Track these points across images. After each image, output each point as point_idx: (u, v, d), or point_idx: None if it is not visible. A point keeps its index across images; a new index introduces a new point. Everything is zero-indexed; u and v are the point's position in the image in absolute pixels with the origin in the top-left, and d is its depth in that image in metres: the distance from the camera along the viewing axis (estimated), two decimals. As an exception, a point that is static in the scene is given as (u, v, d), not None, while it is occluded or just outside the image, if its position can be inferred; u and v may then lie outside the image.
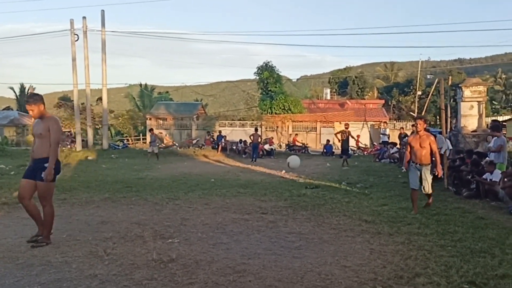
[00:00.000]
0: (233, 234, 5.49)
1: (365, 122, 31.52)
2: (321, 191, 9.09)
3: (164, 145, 27.79)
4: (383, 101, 44.10)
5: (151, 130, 21.67)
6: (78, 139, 24.81)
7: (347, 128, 17.23)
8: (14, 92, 54.75)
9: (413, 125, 7.18)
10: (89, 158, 19.28)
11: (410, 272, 4.04)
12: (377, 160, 18.81)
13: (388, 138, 27.30)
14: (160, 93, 52.46)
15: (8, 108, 55.27)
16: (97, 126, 33.35)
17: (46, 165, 4.79)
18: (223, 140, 24.24)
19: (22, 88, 54.42)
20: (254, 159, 18.89)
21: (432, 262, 4.33)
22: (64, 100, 51.19)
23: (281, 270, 4.09)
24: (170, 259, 4.35)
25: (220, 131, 27.37)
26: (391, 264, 4.31)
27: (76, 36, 23.89)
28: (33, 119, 5.12)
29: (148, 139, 26.37)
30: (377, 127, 32.14)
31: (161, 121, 35.64)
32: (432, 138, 7.03)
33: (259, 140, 20.40)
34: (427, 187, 6.93)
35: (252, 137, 19.82)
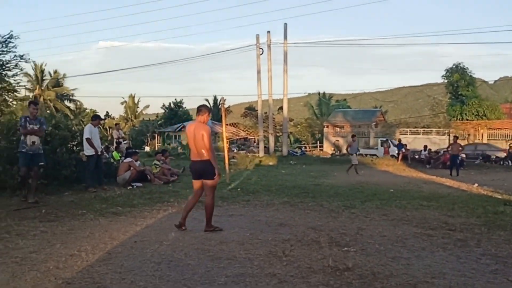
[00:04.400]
0: (414, 250, 5.04)
1: None
2: (525, 210, 7.67)
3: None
4: None
5: (353, 136, 18.38)
6: (261, 145, 26.80)
7: None
8: (209, 103, 62.53)
9: None
10: (270, 163, 20.57)
11: None
12: None
13: None
14: (338, 100, 52.87)
15: (204, 118, 63.40)
16: (278, 134, 35.48)
17: None
18: (403, 148, 22.91)
19: (215, 99, 61.87)
20: (453, 173, 16.23)
21: None
22: (250, 110, 56.13)
23: (473, 297, 3.55)
24: (346, 268, 4.24)
25: (400, 139, 25.96)
26: None
27: (261, 50, 25.94)
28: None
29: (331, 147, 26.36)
30: None
31: (338, 129, 35.82)
32: None
33: (460, 150, 17.36)
34: None
35: (451, 147, 17.30)
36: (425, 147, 22.54)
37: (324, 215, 7.09)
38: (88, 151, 9.41)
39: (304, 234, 5.65)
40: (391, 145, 25.97)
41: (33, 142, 7.73)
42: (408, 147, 23.88)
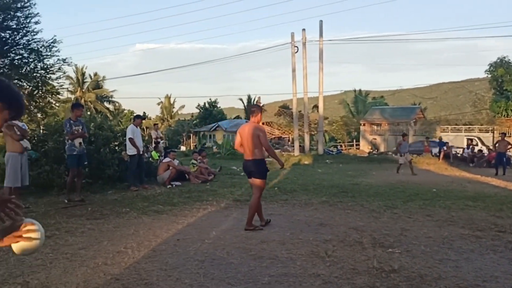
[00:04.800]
0: (462, 252, 4.87)
1: None
2: None
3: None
4: None
5: (404, 135, 16.53)
6: (296, 144, 26.64)
7: None
8: (243, 102, 62.82)
9: None
10: (306, 162, 20.42)
11: None
12: None
13: None
14: (375, 98, 51.88)
15: (237, 117, 63.86)
16: (312, 133, 35.19)
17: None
18: (445, 147, 22.21)
19: (249, 99, 62.00)
20: (500, 172, 15.17)
21: None
22: (284, 108, 55.94)
23: (530, 302, 3.38)
24: (391, 269, 4.14)
25: (440, 137, 25.17)
26: None
27: (296, 48, 25.77)
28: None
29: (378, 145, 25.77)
30: None
31: (375, 127, 35.13)
32: None
33: (508, 148, 16.02)
34: None
35: (498, 144, 16.18)
36: (468, 145, 21.77)
37: (365, 215, 6.96)
38: (130, 150, 9.66)
39: (345, 235, 5.57)
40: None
41: (80, 144, 8.01)
42: (450, 145, 23.12)
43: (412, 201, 8.35)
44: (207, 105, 61.02)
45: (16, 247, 1.62)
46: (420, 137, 29.89)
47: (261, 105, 14.72)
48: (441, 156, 21.21)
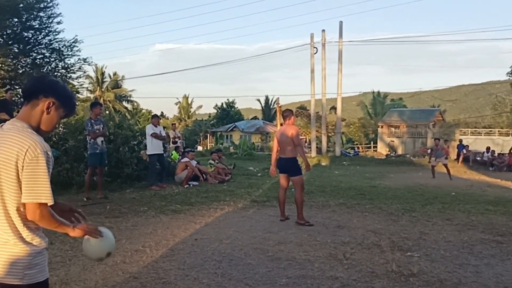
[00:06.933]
0: (482, 257, 4.79)
1: None
2: None
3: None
4: None
5: (437, 139, 16.24)
6: (313, 145, 26.54)
7: None
8: (260, 103, 62.84)
9: None
10: (323, 164, 20.32)
11: None
12: None
13: None
14: (393, 100, 51.31)
15: (255, 118, 63.87)
16: (330, 134, 34.98)
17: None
18: (464, 150, 21.85)
19: (267, 99, 61.96)
20: None
21: None
22: (301, 109, 55.75)
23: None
24: (410, 273, 4.09)
25: (460, 140, 24.76)
26: None
27: (315, 49, 25.65)
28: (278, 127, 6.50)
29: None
30: None
31: (393, 129, 34.74)
32: None
33: None
34: None
35: None
36: (488, 148, 21.35)
37: (384, 218, 6.89)
38: (150, 150, 9.75)
39: (364, 237, 5.52)
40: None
41: (102, 142, 8.15)
42: (469, 148, 22.72)
43: (431, 205, 8.23)
44: (224, 105, 61.23)
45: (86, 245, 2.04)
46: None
47: (279, 106, 14.82)
48: (461, 159, 20.86)
